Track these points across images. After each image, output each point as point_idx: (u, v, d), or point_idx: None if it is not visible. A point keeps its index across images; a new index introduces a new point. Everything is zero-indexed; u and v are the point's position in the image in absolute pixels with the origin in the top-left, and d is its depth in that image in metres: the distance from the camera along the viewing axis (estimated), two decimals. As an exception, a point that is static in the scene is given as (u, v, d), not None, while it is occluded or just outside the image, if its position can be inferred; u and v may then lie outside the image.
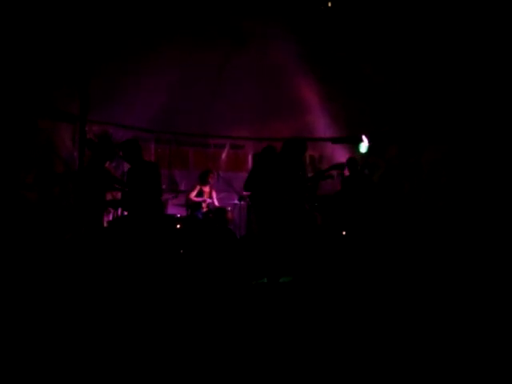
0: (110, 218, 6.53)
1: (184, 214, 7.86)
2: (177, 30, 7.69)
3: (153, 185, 5.49)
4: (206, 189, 8.10)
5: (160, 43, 7.80)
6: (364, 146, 8.15)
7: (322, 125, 9.02)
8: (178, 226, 6.80)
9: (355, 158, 7.13)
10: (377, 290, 4.80)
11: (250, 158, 9.33)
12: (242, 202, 7.69)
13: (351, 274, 5.58)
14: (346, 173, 6.97)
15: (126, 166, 7.07)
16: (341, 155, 8.71)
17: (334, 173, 7.14)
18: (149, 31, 7.60)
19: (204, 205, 7.92)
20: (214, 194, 8.20)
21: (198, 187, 8.03)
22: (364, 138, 7.96)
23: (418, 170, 7.94)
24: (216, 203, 8.11)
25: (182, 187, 8.57)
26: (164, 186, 6.76)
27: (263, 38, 7.75)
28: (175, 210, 7.84)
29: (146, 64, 7.94)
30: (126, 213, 6.18)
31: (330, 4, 6.90)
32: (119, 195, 6.77)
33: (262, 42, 7.81)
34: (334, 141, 9.04)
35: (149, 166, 5.72)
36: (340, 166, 6.38)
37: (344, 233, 6.21)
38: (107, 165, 6.67)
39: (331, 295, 4.77)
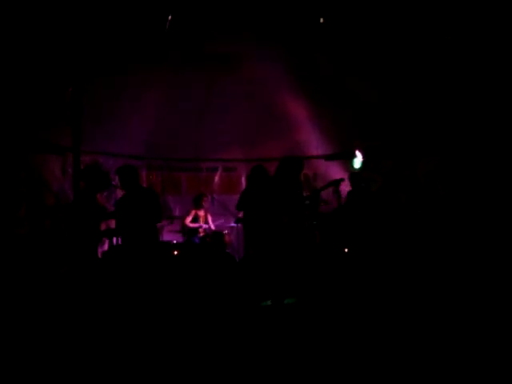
0: (106, 247, 6.34)
1: (180, 239, 7.71)
2: (162, 56, 7.66)
3: (151, 212, 5.33)
4: (201, 213, 7.96)
5: (146, 70, 7.78)
6: (358, 162, 8.13)
7: (314, 142, 8.98)
8: (176, 253, 6.62)
9: (357, 173, 7.08)
10: (382, 308, 4.67)
11: (243, 179, 9.23)
12: (239, 225, 7.54)
13: (355, 292, 5.45)
14: (343, 189, 6.90)
15: (119, 195, 6.98)
16: (335, 172, 8.65)
17: (330, 189, 7.04)
18: (135, 58, 7.56)
19: (201, 230, 7.77)
20: (210, 218, 8.06)
21: (193, 212, 7.90)
22: (358, 153, 7.93)
23: (414, 183, 7.88)
24: (212, 227, 7.97)
25: (177, 213, 8.43)
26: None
27: (250, 58, 7.75)
28: (171, 236, 7.67)
29: (133, 92, 7.90)
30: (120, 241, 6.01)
31: (321, 20, 6.88)
32: (113, 224, 6.63)
33: (248, 63, 7.80)
34: (328, 158, 8.99)
35: (146, 192, 5.58)
36: (337, 182, 6.29)
37: (346, 250, 6.07)
38: (98, 195, 6.55)
39: (337, 315, 4.64)
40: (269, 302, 5.25)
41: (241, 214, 7.38)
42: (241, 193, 6.75)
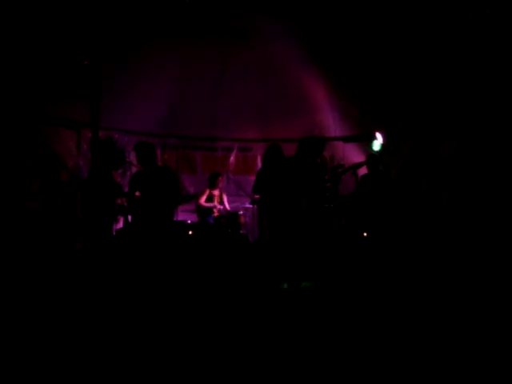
0: (120, 225, 6.26)
1: (194, 219, 7.61)
2: (177, 30, 7.47)
3: (167, 191, 5.22)
4: (216, 192, 7.84)
5: (161, 46, 7.61)
6: (377, 144, 7.89)
7: (332, 123, 8.77)
8: (190, 233, 6.53)
9: (375, 155, 6.87)
10: (399, 294, 4.55)
11: (259, 160, 9.05)
12: (255, 206, 7.42)
13: (373, 277, 5.32)
14: (360, 171, 6.71)
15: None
16: (353, 154, 8.46)
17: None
18: (148, 33, 7.39)
19: (215, 210, 7.66)
20: (225, 198, 7.94)
21: (207, 191, 7.78)
22: (378, 135, 7.70)
23: (435, 167, 7.66)
24: (227, 207, 7.85)
25: (191, 192, 8.30)
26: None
27: (267, 33, 7.54)
28: (185, 215, 7.57)
29: (148, 67, 7.75)
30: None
31: None
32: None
33: (265, 38, 7.61)
34: (346, 140, 8.76)
35: (163, 170, 5.44)
36: (359, 166, 6.11)
37: (365, 234, 5.92)
38: (113, 172, 6.44)
39: (353, 301, 4.52)
40: (285, 285, 5.15)
41: (256, 196, 7.27)
42: (257, 174, 6.58)
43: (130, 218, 5.89)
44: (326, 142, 5.85)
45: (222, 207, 7.72)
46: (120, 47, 7.31)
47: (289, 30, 7.37)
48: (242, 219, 7.41)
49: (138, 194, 5.52)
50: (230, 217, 7.41)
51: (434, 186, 7.57)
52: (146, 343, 3.16)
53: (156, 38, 7.45)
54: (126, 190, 5.97)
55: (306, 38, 7.61)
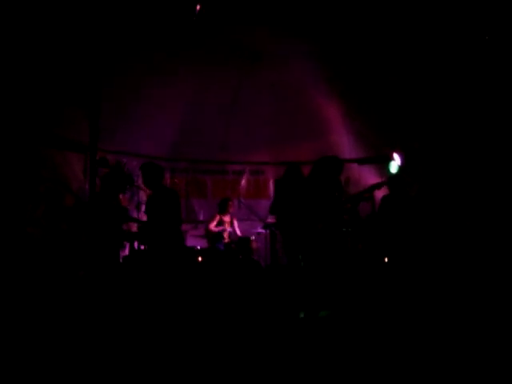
0: (126, 252, 5.99)
1: (204, 245, 7.32)
2: (189, 51, 7.34)
3: (172, 213, 4.95)
4: (227, 218, 7.56)
5: (172, 67, 7.47)
6: (394, 166, 7.61)
7: (346, 145, 8.50)
8: (200, 259, 6.22)
9: (398, 176, 6.58)
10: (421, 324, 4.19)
11: (271, 183, 8.80)
12: (267, 231, 7.11)
13: (394, 307, 4.95)
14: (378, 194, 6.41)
15: (142, 197, 6.64)
16: (368, 177, 8.16)
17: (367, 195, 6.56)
18: (159, 55, 7.27)
19: (225, 235, 7.37)
20: (236, 223, 7.66)
21: (217, 217, 7.50)
22: (396, 156, 7.42)
23: (454, 191, 7.31)
24: (238, 233, 7.55)
25: (201, 217, 8.06)
26: (182, 216, 6.25)
27: (279, 54, 7.36)
28: (195, 241, 7.29)
29: (159, 90, 7.60)
30: (142, 246, 5.66)
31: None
32: (134, 227, 6.30)
33: (278, 59, 7.43)
34: (361, 162, 8.46)
35: (169, 193, 5.18)
36: (379, 185, 5.81)
37: (386, 259, 5.56)
38: (121, 196, 6.23)
39: (373, 330, 4.20)
40: (302, 315, 4.81)
41: (270, 219, 6.98)
42: (273, 195, 6.31)
43: (136, 244, 5.62)
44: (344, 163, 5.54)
45: (231, 229, 7.43)
46: (130, 69, 7.19)
47: (304, 50, 7.21)
48: (254, 244, 7.10)
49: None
50: (241, 242, 7.10)
51: (455, 208, 7.22)
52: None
53: (167, 60, 7.33)
54: (133, 214, 5.75)
55: (321, 59, 7.43)
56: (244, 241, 7.06)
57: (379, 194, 6.42)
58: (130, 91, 7.39)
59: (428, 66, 7.28)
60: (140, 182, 7.67)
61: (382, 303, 5.06)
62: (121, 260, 5.98)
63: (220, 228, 7.38)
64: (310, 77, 7.79)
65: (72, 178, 6.62)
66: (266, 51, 7.44)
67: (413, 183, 7.40)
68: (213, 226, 7.42)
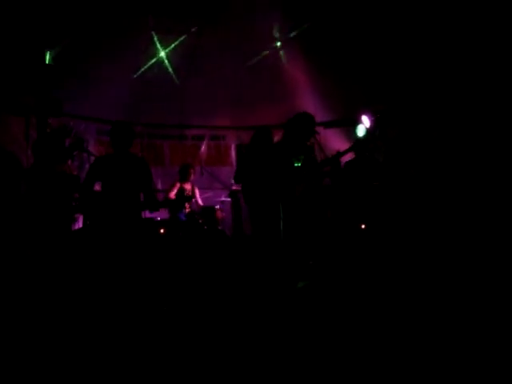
0: (80, 224, 5.39)
1: (164, 216, 6.77)
2: (144, 5, 6.62)
3: (139, 183, 4.36)
4: (187, 186, 7.02)
5: (127, 23, 6.74)
6: (362, 129, 7.29)
7: (312, 108, 8.02)
8: (162, 231, 5.70)
9: (364, 139, 6.26)
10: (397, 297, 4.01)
11: (232, 149, 8.31)
12: (232, 199, 6.67)
13: (377, 274, 4.71)
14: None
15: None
16: (335, 141, 7.80)
17: None
18: (115, 8, 6.51)
19: (187, 204, 6.84)
20: (197, 192, 7.14)
21: (177, 185, 6.95)
22: (365, 118, 7.08)
23: (424, 154, 7.10)
24: (200, 202, 7.05)
25: (159, 186, 7.44)
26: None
27: (245, 7, 6.75)
28: (154, 212, 6.72)
29: (110, 46, 6.85)
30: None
31: None
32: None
33: (244, 12, 6.81)
34: (327, 125, 8.10)
35: (136, 160, 4.55)
36: (359, 145, 5.48)
37: (363, 226, 5.26)
38: (69, 163, 5.57)
39: (351, 304, 4.01)
40: (280, 285, 4.46)
41: (235, 187, 6.52)
42: (237, 162, 5.83)
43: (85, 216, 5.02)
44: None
45: (189, 189, 6.91)
46: (80, 25, 6.42)
47: (270, 3, 6.63)
48: (219, 214, 6.64)
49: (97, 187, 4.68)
50: (205, 212, 6.61)
51: (425, 172, 7.03)
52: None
53: (122, 16, 6.60)
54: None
55: (288, 14, 6.90)
56: (208, 210, 6.58)
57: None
58: (78, 49, 6.66)
59: (398, 19, 6.94)
60: (90, 147, 7.06)
61: (363, 274, 4.81)
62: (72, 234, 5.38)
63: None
64: (273, 33, 7.27)
65: (10, 142, 5.80)
66: (228, 4, 6.82)
67: (383, 147, 7.16)
68: (173, 195, 6.87)
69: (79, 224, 5.50)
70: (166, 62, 7.62)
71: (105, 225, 4.50)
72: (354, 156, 6.18)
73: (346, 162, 6.19)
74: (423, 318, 3.38)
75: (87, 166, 5.97)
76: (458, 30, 6.57)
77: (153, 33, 7.04)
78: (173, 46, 7.49)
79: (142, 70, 7.42)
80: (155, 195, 4.63)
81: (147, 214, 6.57)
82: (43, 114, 5.59)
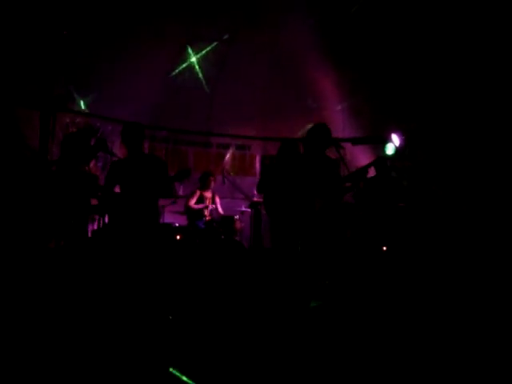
0: (95, 227, 5.36)
1: (183, 222, 6.71)
2: (175, 12, 6.64)
3: (156, 184, 4.29)
4: (208, 194, 6.95)
5: (158, 26, 6.76)
6: (391, 148, 7.08)
7: (340, 122, 7.93)
8: (178, 237, 5.62)
9: (386, 157, 6.08)
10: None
11: (257, 160, 8.21)
12: (252, 210, 6.53)
13: (394, 300, 4.50)
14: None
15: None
16: (362, 158, 7.62)
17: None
18: (142, 10, 6.55)
19: (206, 212, 6.76)
20: (218, 200, 7.05)
21: (197, 192, 6.88)
22: (394, 137, 6.88)
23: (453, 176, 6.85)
24: (220, 210, 6.96)
25: (181, 192, 7.38)
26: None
27: (279, 14, 6.70)
28: (173, 218, 6.67)
29: (143, 49, 6.88)
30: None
31: None
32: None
33: (277, 21, 6.77)
34: (355, 141, 7.91)
35: (151, 160, 4.48)
36: (380, 161, 5.32)
37: (385, 248, 5.06)
38: (92, 164, 5.56)
39: (367, 324, 3.87)
40: (292, 304, 4.30)
41: (256, 198, 6.41)
42: (261, 172, 5.71)
43: (106, 217, 4.98)
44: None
45: (213, 206, 6.83)
46: (110, 25, 6.48)
47: (304, 14, 6.56)
48: (238, 224, 6.53)
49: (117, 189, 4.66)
50: (224, 221, 6.51)
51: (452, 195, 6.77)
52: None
53: (152, 18, 6.63)
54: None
55: (321, 25, 6.81)
56: (227, 220, 6.48)
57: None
58: (109, 50, 6.73)
59: (430, 40, 6.76)
60: (115, 149, 7.07)
61: (378, 295, 4.61)
62: (89, 235, 5.36)
63: (201, 205, 6.78)
64: (306, 45, 7.16)
65: (34, 137, 5.83)
66: (259, 13, 6.77)
67: (412, 168, 6.95)
68: (193, 202, 6.81)
69: (94, 226, 5.45)
70: (197, 67, 7.64)
71: (121, 228, 4.47)
72: (375, 173, 6.01)
73: (367, 179, 6.00)
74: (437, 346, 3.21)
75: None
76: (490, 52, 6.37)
77: (185, 38, 7.01)
78: (204, 52, 7.53)
79: (173, 74, 7.41)
80: (169, 185, 4.52)
81: (166, 219, 6.59)
82: (48, 109, 5.58)
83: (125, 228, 4.41)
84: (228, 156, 8.23)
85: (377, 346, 3.21)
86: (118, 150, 7.14)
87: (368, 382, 2.60)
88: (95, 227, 5.56)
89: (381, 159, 6.07)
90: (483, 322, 3.78)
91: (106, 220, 5.15)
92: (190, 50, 7.31)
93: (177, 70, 7.47)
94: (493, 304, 4.25)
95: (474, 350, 3.05)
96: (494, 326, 3.58)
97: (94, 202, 5.20)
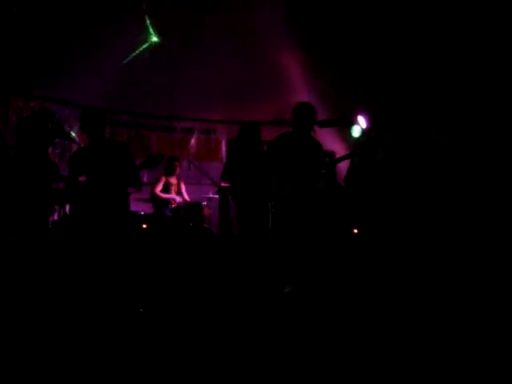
0: (55, 217, 5.07)
1: (148, 210, 6.48)
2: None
3: (123, 172, 4.07)
4: (173, 180, 6.74)
5: (117, 8, 6.44)
6: (357, 130, 7.06)
7: (307, 105, 7.83)
8: (145, 226, 5.41)
9: (370, 142, 6.04)
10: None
11: (223, 144, 8.02)
12: (220, 196, 6.37)
13: (367, 281, 4.50)
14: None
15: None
16: (329, 141, 7.59)
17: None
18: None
19: (173, 201, 6.56)
20: (183, 187, 6.85)
21: (163, 179, 6.66)
22: (361, 119, 6.85)
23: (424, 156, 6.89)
24: (186, 197, 6.77)
25: (145, 179, 7.11)
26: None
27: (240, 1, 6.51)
28: (138, 206, 6.42)
29: (99, 30, 6.53)
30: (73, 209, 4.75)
31: None
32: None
33: (237, 7, 6.56)
34: (322, 124, 7.81)
35: (116, 146, 4.25)
36: (362, 151, 5.27)
37: (356, 231, 5.04)
38: (50, 151, 5.24)
39: (340, 310, 3.80)
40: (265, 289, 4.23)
41: (224, 183, 6.25)
42: (226, 157, 5.57)
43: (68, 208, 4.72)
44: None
45: (180, 200, 6.62)
46: (67, 7, 6.11)
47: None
48: (206, 211, 6.37)
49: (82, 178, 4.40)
50: (191, 208, 6.34)
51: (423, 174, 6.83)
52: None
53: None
54: (65, 172, 4.79)
55: (285, 8, 6.65)
56: (194, 206, 6.30)
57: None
58: (65, 32, 6.38)
59: (395, 20, 6.73)
60: (74, 134, 6.74)
61: (351, 278, 4.58)
62: (50, 226, 5.07)
63: (168, 196, 6.56)
64: (271, 27, 7.01)
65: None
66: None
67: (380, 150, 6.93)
68: (159, 189, 6.59)
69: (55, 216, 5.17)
70: (159, 48, 7.33)
71: (89, 219, 4.25)
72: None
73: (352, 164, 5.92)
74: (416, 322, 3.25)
75: (67, 154, 5.67)
76: (457, 31, 6.39)
77: (146, 16, 6.68)
78: (166, 32, 7.22)
79: (133, 55, 7.09)
80: (137, 172, 4.33)
81: (132, 208, 6.33)
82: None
83: (93, 219, 4.21)
84: (193, 140, 8.00)
85: (354, 330, 3.17)
86: (78, 137, 6.82)
87: (345, 368, 2.56)
88: (55, 218, 5.28)
89: (368, 144, 6.02)
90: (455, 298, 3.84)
91: (67, 210, 4.90)
92: (151, 30, 6.99)
93: (137, 51, 7.14)
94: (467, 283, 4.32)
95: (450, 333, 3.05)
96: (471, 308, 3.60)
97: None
